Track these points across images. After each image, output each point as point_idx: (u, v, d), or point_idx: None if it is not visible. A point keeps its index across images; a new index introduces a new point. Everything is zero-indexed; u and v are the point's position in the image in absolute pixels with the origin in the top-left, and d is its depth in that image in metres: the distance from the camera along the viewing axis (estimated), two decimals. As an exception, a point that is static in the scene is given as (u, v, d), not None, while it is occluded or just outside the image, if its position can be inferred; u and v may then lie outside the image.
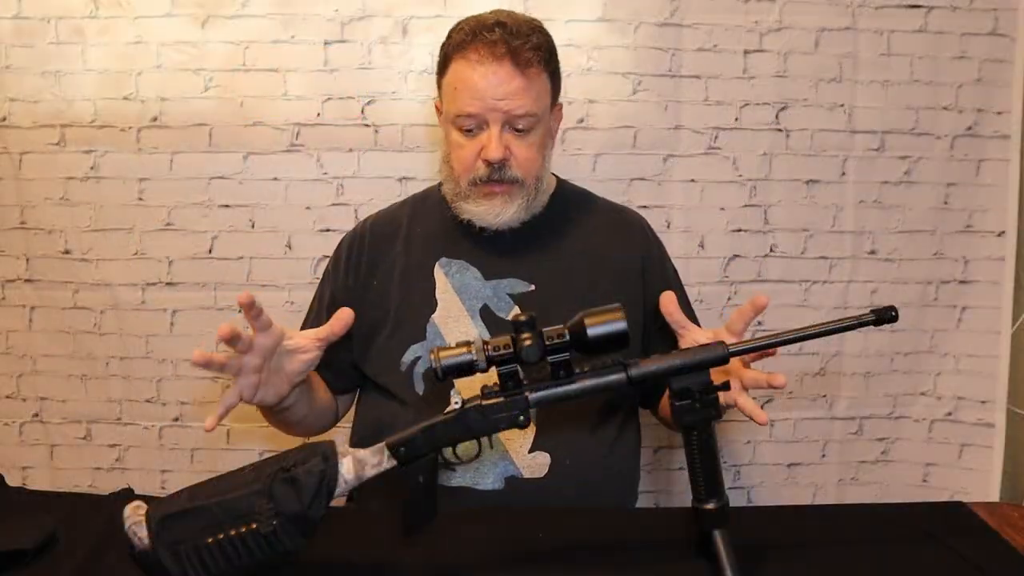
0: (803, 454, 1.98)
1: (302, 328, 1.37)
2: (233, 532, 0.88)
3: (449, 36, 1.28)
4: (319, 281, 1.45)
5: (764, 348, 0.96)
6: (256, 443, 1.92)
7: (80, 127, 1.81)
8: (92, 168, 1.83)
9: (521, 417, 0.93)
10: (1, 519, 1.03)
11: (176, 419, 1.92)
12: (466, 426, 0.93)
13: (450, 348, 0.91)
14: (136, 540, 0.90)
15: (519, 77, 1.21)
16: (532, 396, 0.93)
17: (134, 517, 0.91)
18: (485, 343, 0.91)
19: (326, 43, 1.80)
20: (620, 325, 0.89)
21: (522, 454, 1.24)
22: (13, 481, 1.27)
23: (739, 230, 1.89)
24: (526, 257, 1.32)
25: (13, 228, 1.86)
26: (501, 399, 0.93)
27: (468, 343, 0.91)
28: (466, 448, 0.97)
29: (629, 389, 0.93)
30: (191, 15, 1.78)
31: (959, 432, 1.95)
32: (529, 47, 1.22)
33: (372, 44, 1.80)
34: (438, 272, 1.32)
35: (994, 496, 1.89)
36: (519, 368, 0.92)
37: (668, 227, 1.86)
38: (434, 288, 1.32)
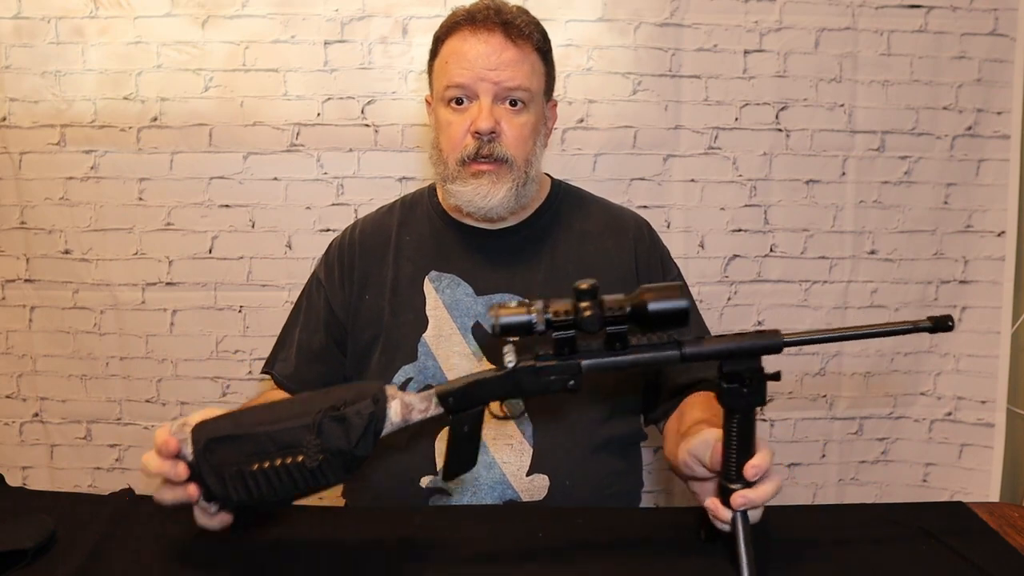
0: (803, 454, 1.98)
1: (286, 333, 1.36)
2: (279, 462, 0.90)
3: (440, 26, 1.25)
4: (306, 288, 1.38)
5: (820, 341, 0.95)
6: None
7: (80, 127, 1.81)
8: (92, 168, 1.83)
9: (571, 382, 0.93)
10: (1, 519, 1.02)
11: (176, 419, 1.91)
12: (516, 384, 0.93)
13: (510, 306, 0.90)
14: (184, 451, 0.93)
15: (511, 48, 1.18)
16: (585, 363, 0.93)
17: (181, 434, 0.93)
18: (546, 305, 0.90)
19: (326, 43, 1.80)
20: (681, 303, 0.89)
21: (519, 477, 1.20)
22: (13, 481, 1.27)
23: (739, 230, 1.89)
24: (518, 269, 1.27)
25: (13, 228, 1.86)
26: (554, 362, 0.93)
27: (529, 304, 0.90)
28: (512, 403, 0.98)
29: (680, 365, 0.93)
30: (191, 15, 1.78)
31: (959, 432, 1.95)
32: (521, 22, 1.19)
33: (372, 44, 1.81)
34: (428, 287, 1.28)
35: (994, 496, 1.89)
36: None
37: (668, 227, 1.86)
38: (424, 304, 1.27)
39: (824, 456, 1.98)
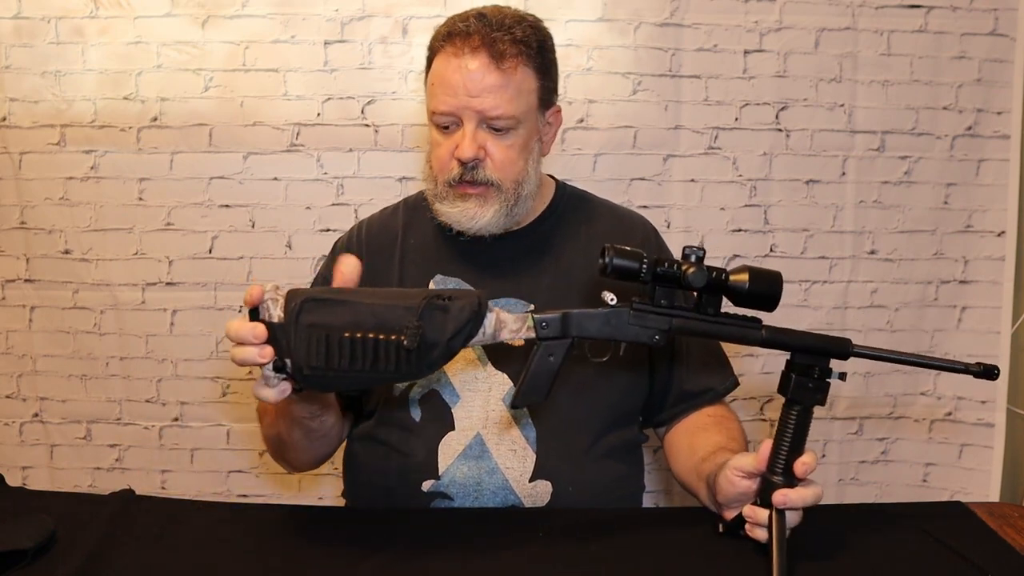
0: (803, 454, 1.98)
1: None
2: (371, 335, 0.91)
3: (433, 34, 1.21)
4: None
5: (881, 359, 1.01)
6: (256, 443, 1.92)
7: (80, 127, 1.81)
8: (92, 168, 1.83)
9: (657, 336, 0.98)
10: (1, 519, 1.02)
11: (176, 419, 1.92)
12: (609, 324, 0.98)
13: (626, 249, 0.95)
14: (266, 315, 0.92)
15: (494, 72, 1.14)
16: (675, 322, 0.98)
17: (272, 294, 0.92)
18: (657, 260, 0.96)
19: (326, 43, 1.80)
20: (778, 289, 0.97)
21: (522, 483, 1.19)
22: (13, 481, 1.26)
23: (739, 230, 1.89)
24: (524, 273, 1.26)
25: (13, 228, 1.86)
26: (650, 310, 0.98)
27: (643, 255, 0.96)
28: (599, 348, 1.02)
29: (760, 346, 0.98)
30: (191, 15, 1.78)
31: (959, 432, 1.95)
32: (509, 39, 1.14)
33: (372, 44, 1.81)
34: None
35: (994, 496, 1.89)
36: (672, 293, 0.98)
37: (668, 227, 1.86)
38: None
39: (824, 456, 1.97)
